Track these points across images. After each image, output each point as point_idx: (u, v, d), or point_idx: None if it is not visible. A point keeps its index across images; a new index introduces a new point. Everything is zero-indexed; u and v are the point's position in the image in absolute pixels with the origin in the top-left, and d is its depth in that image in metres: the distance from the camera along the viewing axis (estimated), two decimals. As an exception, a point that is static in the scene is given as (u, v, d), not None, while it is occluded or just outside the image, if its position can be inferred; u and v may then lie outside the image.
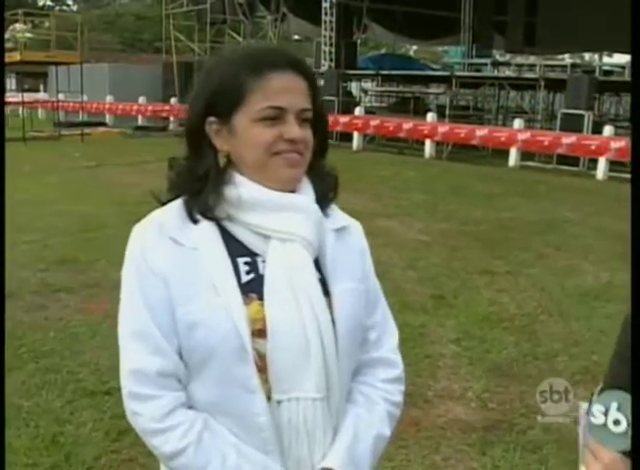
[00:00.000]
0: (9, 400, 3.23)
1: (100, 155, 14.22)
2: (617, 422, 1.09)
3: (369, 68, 22.91)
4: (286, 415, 1.15)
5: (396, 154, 16.65)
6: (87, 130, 18.50)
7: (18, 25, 19.90)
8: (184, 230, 1.18)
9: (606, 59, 25.80)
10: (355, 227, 1.33)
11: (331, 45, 20.52)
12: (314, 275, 1.18)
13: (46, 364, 3.97)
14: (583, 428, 1.17)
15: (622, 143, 12.95)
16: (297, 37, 31.86)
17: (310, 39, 27.21)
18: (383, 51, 31.72)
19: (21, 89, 21.02)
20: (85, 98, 20.44)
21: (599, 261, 6.72)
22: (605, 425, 1.09)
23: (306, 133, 1.18)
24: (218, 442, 1.14)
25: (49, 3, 48.70)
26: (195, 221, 1.18)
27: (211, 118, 1.18)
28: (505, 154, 15.10)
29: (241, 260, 1.18)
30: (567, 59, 25.12)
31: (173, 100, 22.56)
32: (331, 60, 20.44)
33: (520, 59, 24.05)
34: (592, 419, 1.11)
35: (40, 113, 24.49)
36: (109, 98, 23.14)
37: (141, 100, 22.49)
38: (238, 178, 1.19)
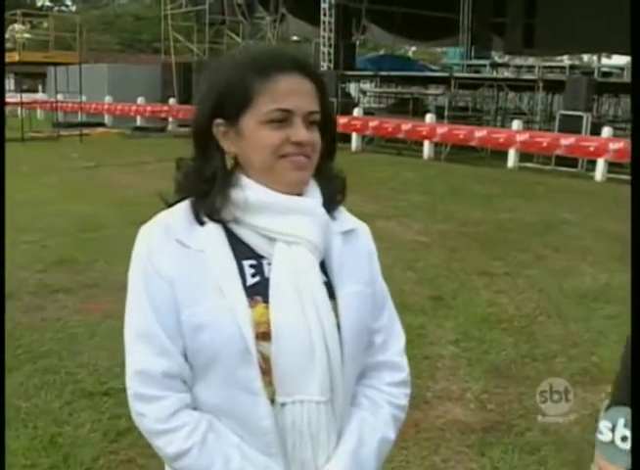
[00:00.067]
0: (7, 401, 3.22)
1: (99, 155, 14.21)
2: (624, 438, 1.08)
3: (368, 69, 22.92)
4: (290, 418, 1.15)
5: (395, 155, 16.66)
6: (86, 131, 18.47)
7: (16, 26, 19.94)
8: (190, 232, 1.18)
9: (604, 60, 25.80)
10: (363, 230, 1.33)
11: (330, 46, 20.52)
12: (319, 278, 1.18)
13: (44, 365, 3.97)
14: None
15: (621, 144, 12.97)
16: (295, 38, 31.85)
17: (309, 40, 27.22)
18: (381, 52, 31.77)
19: (19, 90, 20.95)
20: (84, 98, 20.41)
21: (597, 263, 6.72)
22: (612, 442, 1.09)
23: (314, 136, 1.18)
24: (222, 443, 1.15)
25: (48, 3, 48.65)
26: (201, 223, 1.18)
27: (219, 120, 1.18)
28: (504, 155, 15.12)
29: (246, 263, 1.18)
30: (565, 60, 25.13)
31: (172, 100, 22.57)
32: (329, 61, 20.44)
33: (518, 60, 24.09)
34: (599, 436, 1.10)
35: (39, 113, 24.44)
36: (107, 98, 23.11)
37: (140, 100, 22.47)
38: (245, 181, 1.19)
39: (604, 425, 1.10)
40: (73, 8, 50.51)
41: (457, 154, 15.98)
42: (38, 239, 6.95)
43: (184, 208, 1.20)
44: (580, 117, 14.89)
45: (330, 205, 1.24)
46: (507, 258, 6.84)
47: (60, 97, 20.15)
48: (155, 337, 1.15)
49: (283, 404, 1.15)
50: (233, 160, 1.20)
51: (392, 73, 21.00)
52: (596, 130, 14.46)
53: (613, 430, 1.09)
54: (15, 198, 7.89)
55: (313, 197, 1.21)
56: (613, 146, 13.26)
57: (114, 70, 24.26)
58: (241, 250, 1.18)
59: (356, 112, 17.97)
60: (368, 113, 19.52)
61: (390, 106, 23.17)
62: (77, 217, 8.07)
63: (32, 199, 8.97)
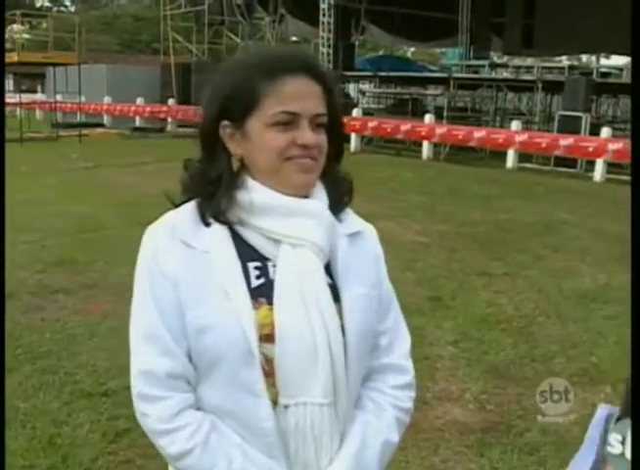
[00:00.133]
0: (6, 402, 3.22)
1: (98, 156, 14.20)
2: None
3: (367, 69, 22.92)
4: (293, 420, 1.15)
5: (394, 155, 16.66)
6: (85, 131, 18.45)
7: (15, 26, 19.92)
8: (196, 233, 1.18)
9: (603, 61, 25.85)
10: (370, 232, 1.32)
11: (329, 46, 20.53)
12: (324, 281, 1.18)
13: (43, 365, 3.97)
14: (594, 426, 1.16)
15: (620, 145, 12.98)
16: (294, 39, 31.88)
17: (308, 41, 27.25)
18: (380, 53, 31.74)
19: (18, 90, 20.92)
20: (83, 99, 20.39)
21: (596, 263, 6.72)
22: (622, 454, 1.08)
23: (320, 138, 1.18)
24: (225, 443, 1.15)
25: (47, 4, 48.68)
26: (207, 224, 1.18)
27: (225, 122, 1.18)
28: (503, 155, 15.13)
29: (251, 265, 1.18)
30: (564, 61, 25.19)
31: (171, 101, 22.58)
32: (329, 61, 20.42)
33: (517, 61, 24.08)
34: (609, 449, 1.08)
35: (38, 114, 24.41)
36: (106, 99, 23.10)
37: (139, 101, 22.46)
38: (250, 183, 1.19)
39: (614, 438, 1.08)
40: (72, 8, 50.51)
41: (456, 154, 15.98)
42: (38, 239, 6.94)
43: (190, 208, 1.20)
44: (579, 118, 14.90)
45: (336, 207, 1.24)
46: (506, 259, 6.84)
47: (59, 97, 20.15)
48: (159, 338, 1.15)
49: (286, 406, 1.15)
50: (239, 162, 1.20)
51: (391, 74, 21.01)
52: (595, 131, 14.47)
53: (622, 442, 1.08)
54: (14, 198, 7.88)
55: (319, 199, 1.21)
56: (612, 146, 13.27)
57: (113, 71, 24.24)
58: (246, 251, 1.18)
59: (355, 112, 17.97)
60: (367, 113, 19.54)
61: (389, 106, 23.18)
62: (77, 218, 8.07)
63: (32, 199, 8.96)
